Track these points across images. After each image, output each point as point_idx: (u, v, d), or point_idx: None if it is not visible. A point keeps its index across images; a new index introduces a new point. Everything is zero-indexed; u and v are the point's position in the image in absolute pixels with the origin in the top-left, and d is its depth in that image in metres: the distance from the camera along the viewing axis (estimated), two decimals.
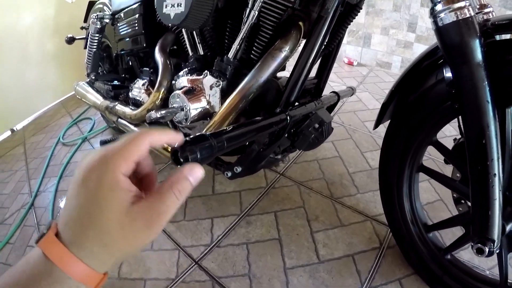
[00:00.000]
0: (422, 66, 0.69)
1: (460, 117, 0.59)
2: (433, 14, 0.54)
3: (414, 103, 0.71)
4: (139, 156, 0.28)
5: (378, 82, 2.31)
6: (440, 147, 0.75)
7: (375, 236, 1.06)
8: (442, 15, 0.52)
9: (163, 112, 0.79)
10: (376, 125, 0.83)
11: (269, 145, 0.78)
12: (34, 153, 1.90)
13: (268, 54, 0.78)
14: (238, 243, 1.08)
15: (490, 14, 0.58)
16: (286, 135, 0.79)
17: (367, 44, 2.54)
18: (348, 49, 2.65)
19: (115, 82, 1.33)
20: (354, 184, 1.28)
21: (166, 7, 0.81)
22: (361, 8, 0.83)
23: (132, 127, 1.11)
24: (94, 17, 1.21)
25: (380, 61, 2.52)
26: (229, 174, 0.88)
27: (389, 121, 0.82)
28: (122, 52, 1.24)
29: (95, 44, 1.31)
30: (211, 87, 0.86)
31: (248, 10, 0.81)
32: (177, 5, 0.78)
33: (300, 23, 0.81)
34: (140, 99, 1.10)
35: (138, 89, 1.12)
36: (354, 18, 0.85)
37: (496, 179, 0.55)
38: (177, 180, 0.28)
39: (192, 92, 0.86)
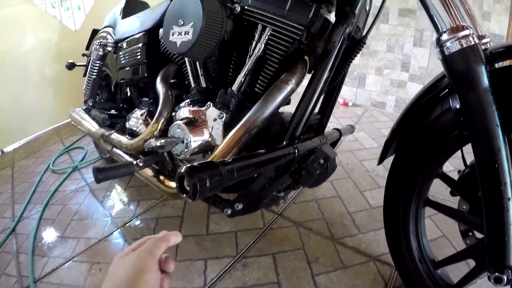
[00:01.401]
0: (423, 101, 0.70)
1: (464, 148, 0.60)
2: (439, 44, 0.55)
3: (419, 135, 0.70)
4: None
5: (374, 122, 2.34)
6: (447, 179, 0.73)
7: (380, 277, 0.99)
8: (448, 44, 0.53)
9: (162, 141, 0.75)
10: (381, 161, 0.82)
11: (275, 179, 0.74)
12: (22, 177, 1.83)
13: (274, 87, 0.77)
14: (233, 287, 0.99)
15: (488, 44, 0.60)
16: (291, 170, 0.75)
17: (362, 85, 2.61)
18: (343, 89, 2.71)
19: (112, 112, 1.30)
20: (355, 224, 1.22)
21: (173, 35, 0.80)
22: (365, 43, 0.84)
23: (127, 157, 1.05)
24: (97, 43, 1.21)
25: (375, 101, 2.57)
26: (229, 211, 0.82)
27: (394, 156, 0.80)
28: (122, 81, 1.23)
29: (96, 71, 1.30)
30: (214, 119, 0.83)
31: (254, 43, 0.81)
32: (185, 33, 0.77)
33: (306, 57, 0.82)
34: (137, 130, 1.06)
35: (136, 119, 1.08)
36: (358, 53, 0.85)
37: (511, 203, 0.53)
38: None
39: (194, 124, 0.83)
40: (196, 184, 0.34)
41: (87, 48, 1.54)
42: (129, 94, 1.30)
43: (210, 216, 1.30)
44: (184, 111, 0.89)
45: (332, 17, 0.84)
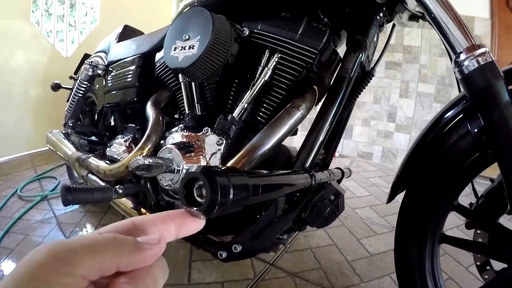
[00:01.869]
0: (435, 131, 0.68)
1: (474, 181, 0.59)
2: (458, 64, 0.55)
3: (435, 164, 0.67)
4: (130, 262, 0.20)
5: (362, 172, 2.32)
6: (464, 211, 0.69)
7: None
8: (466, 63, 0.54)
9: (151, 160, 0.63)
10: (390, 199, 0.78)
11: (285, 214, 0.63)
12: None
13: (284, 112, 0.70)
14: None
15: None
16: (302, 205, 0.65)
17: (349, 136, 2.63)
18: None
19: (93, 138, 1.18)
20: (356, 273, 1.10)
21: (175, 50, 0.74)
22: (373, 75, 0.81)
23: (103, 184, 0.91)
24: (88, 62, 1.13)
25: (362, 152, 2.58)
26: (224, 254, 0.69)
27: (404, 192, 0.75)
28: (108, 106, 1.13)
29: (82, 91, 1.21)
30: (212, 146, 0.74)
31: (261, 68, 0.76)
32: (189, 48, 0.71)
33: (315, 86, 0.77)
34: (119, 157, 0.94)
35: (118, 145, 0.96)
36: (367, 85, 0.82)
37: None
38: None
39: (188, 149, 0.73)
40: (217, 191, 0.23)
41: (76, 73, 1.46)
42: (113, 122, 1.19)
43: (193, 263, 1.13)
44: (177, 135, 0.80)
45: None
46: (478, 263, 0.75)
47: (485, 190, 0.68)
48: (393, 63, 2.27)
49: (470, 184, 0.69)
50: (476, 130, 0.58)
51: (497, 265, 0.69)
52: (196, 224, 0.24)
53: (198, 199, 0.25)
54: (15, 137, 2.20)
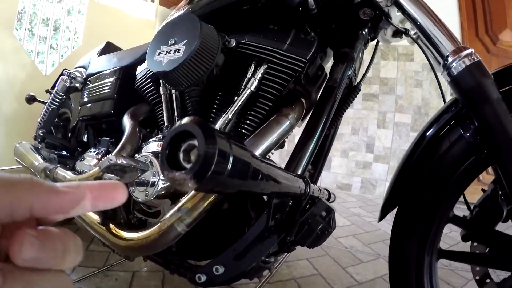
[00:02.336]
0: (423, 144, 0.67)
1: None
2: (446, 67, 0.56)
3: (428, 174, 0.65)
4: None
5: (342, 202, 2.30)
6: (461, 221, 0.68)
7: None
8: (454, 64, 0.55)
9: (124, 161, 0.57)
10: (382, 217, 0.74)
11: (279, 226, 0.57)
12: None
13: (272, 120, 0.67)
14: None
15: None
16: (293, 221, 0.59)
17: (327, 167, 2.64)
18: None
19: (63, 152, 1.09)
20: None
21: (159, 54, 0.70)
22: (360, 90, 0.82)
23: None
24: (66, 73, 1.07)
25: (341, 183, 2.58)
26: (203, 278, 0.61)
27: (396, 209, 0.72)
28: (82, 118, 1.05)
29: (57, 102, 1.15)
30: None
31: (246, 79, 0.74)
32: (175, 51, 0.68)
33: (302, 99, 0.76)
34: (89, 170, 0.85)
35: (90, 158, 0.89)
36: (353, 100, 0.82)
37: None
38: None
39: None
40: (215, 151, 0.18)
41: (53, 88, 1.39)
42: (86, 137, 1.11)
43: None
44: (154, 145, 0.74)
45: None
46: (477, 278, 0.72)
47: (479, 200, 0.67)
48: (370, 94, 2.36)
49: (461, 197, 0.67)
50: (469, 133, 0.58)
51: (497, 278, 0.67)
52: (117, 196, 0.21)
53: (185, 164, 0.19)
54: None
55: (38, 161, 0.99)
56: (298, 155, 0.65)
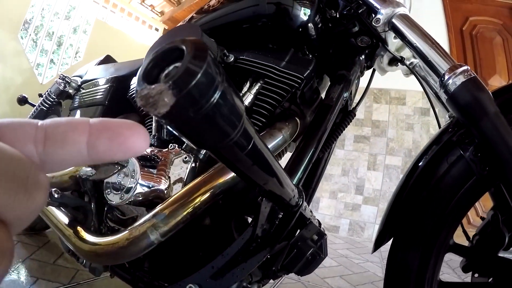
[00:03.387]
0: (417, 171, 0.66)
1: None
2: (442, 85, 0.56)
3: (427, 198, 0.63)
4: None
5: (329, 244, 2.17)
6: (461, 250, 0.65)
7: None
8: (450, 81, 0.55)
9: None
10: (376, 248, 0.70)
11: (267, 241, 0.51)
12: None
13: (265, 132, 0.65)
14: None
15: None
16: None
17: (315, 208, 2.58)
18: None
19: None
20: None
21: None
22: (355, 115, 0.81)
23: None
24: (61, 77, 1.06)
25: (328, 225, 2.50)
26: None
27: (391, 241, 0.68)
28: None
29: (47, 104, 1.13)
30: (177, 163, 0.65)
31: (242, 94, 0.74)
32: None
33: (297, 119, 0.75)
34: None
35: None
36: (348, 125, 0.81)
37: None
38: None
39: (149, 162, 0.63)
40: (200, 69, 0.15)
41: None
42: None
43: None
44: None
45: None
46: None
47: (479, 228, 0.65)
48: (362, 136, 2.39)
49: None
50: (469, 151, 0.58)
51: None
52: (135, 140, 0.14)
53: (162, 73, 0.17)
54: None
55: None
56: (290, 171, 0.62)
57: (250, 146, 0.24)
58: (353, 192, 2.41)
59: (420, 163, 0.64)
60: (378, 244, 0.68)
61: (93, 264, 0.71)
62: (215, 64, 0.16)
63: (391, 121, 2.33)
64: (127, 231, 0.52)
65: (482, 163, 0.56)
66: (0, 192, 0.11)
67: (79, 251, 0.55)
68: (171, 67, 0.16)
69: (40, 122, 0.14)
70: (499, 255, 0.59)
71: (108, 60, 1.29)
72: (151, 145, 0.75)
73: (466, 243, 0.67)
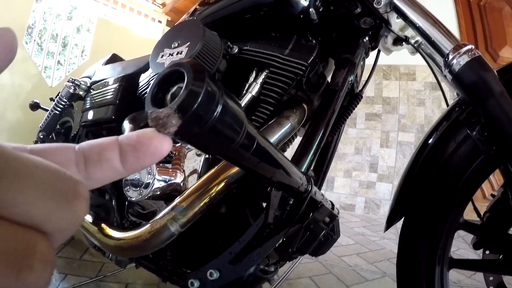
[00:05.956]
0: (426, 150, 0.66)
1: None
2: (447, 65, 0.56)
3: (435, 179, 0.63)
4: None
5: (345, 222, 2.25)
6: (472, 227, 0.65)
7: None
8: (454, 61, 0.55)
9: None
10: (388, 227, 0.71)
11: (279, 226, 0.54)
12: None
13: (273, 121, 0.67)
14: None
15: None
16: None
17: (330, 187, 2.60)
18: None
19: None
20: None
21: (162, 56, 0.71)
22: (362, 97, 0.81)
23: None
24: (70, 80, 1.09)
25: (344, 204, 2.53)
26: (196, 284, 0.58)
27: (403, 220, 0.70)
28: (84, 124, 1.06)
29: (60, 108, 1.16)
30: (191, 158, 0.67)
31: (248, 84, 0.75)
32: (177, 53, 0.68)
33: (304, 105, 0.75)
34: None
35: None
36: (355, 107, 0.81)
37: None
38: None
39: (164, 157, 0.66)
40: (201, 90, 0.17)
41: (57, 96, 1.42)
42: None
43: None
44: None
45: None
46: None
47: (489, 205, 0.65)
48: (373, 114, 2.37)
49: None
50: (476, 130, 0.57)
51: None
52: (158, 147, 0.16)
53: (168, 96, 0.19)
54: None
55: None
56: (300, 157, 0.64)
57: (254, 146, 0.26)
58: (367, 170, 2.41)
59: (430, 141, 0.64)
60: (389, 223, 0.70)
61: (118, 257, 0.75)
62: (213, 81, 0.18)
63: (402, 97, 2.29)
64: (149, 225, 0.56)
65: (489, 142, 0.56)
66: (42, 203, 0.12)
67: (105, 246, 0.60)
68: (174, 88, 0.18)
69: (76, 146, 0.16)
70: (510, 232, 0.60)
71: (114, 59, 1.31)
72: None
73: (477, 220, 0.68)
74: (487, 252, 0.66)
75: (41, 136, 1.12)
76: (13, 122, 2.18)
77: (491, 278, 0.69)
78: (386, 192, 2.34)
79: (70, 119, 1.26)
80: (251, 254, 0.56)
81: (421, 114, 2.24)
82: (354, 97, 0.81)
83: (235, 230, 0.68)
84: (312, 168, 0.80)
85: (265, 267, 0.66)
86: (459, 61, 0.54)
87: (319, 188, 0.85)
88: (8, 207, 0.11)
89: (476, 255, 0.69)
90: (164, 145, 0.17)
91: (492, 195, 0.65)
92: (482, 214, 0.65)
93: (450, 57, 0.55)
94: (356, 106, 0.81)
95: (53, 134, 1.25)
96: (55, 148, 0.15)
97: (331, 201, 0.86)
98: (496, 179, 1.97)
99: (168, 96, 0.18)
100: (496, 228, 0.63)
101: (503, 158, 0.54)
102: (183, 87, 0.17)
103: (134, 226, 0.68)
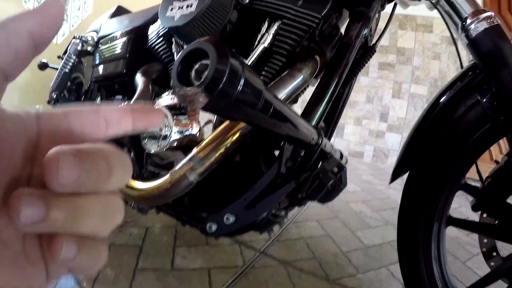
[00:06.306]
0: (433, 113, 0.66)
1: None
2: (464, 29, 0.55)
3: (442, 139, 0.65)
4: None
5: (353, 170, 2.30)
6: (472, 190, 0.68)
7: None
8: (472, 26, 0.54)
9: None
10: (393, 179, 0.74)
11: (291, 175, 0.58)
12: None
13: (286, 74, 0.67)
14: None
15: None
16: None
17: (340, 135, 2.62)
18: None
19: None
20: (352, 264, 1.07)
21: (171, 10, 0.70)
22: (375, 51, 0.79)
23: None
24: (77, 37, 1.08)
25: (353, 151, 2.57)
26: (214, 227, 0.63)
27: (408, 174, 0.72)
28: (95, 80, 1.07)
29: (69, 65, 1.16)
30: None
31: (260, 35, 0.73)
32: (187, 6, 0.67)
33: (317, 57, 0.74)
34: None
35: None
36: (369, 60, 0.80)
37: None
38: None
39: (180, 111, 0.68)
40: (225, 69, 0.19)
41: (65, 53, 1.41)
42: (99, 99, 1.13)
43: (177, 249, 1.07)
44: (167, 98, 0.75)
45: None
46: (484, 250, 0.73)
47: (492, 171, 0.67)
48: (386, 64, 2.29)
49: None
50: (486, 98, 0.57)
51: (504, 252, 0.68)
52: (154, 119, 0.20)
53: (196, 82, 0.20)
54: None
55: None
56: (311, 109, 0.65)
57: (271, 109, 0.28)
58: (378, 120, 2.40)
59: (441, 100, 0.65)
60: (395, 175, 0.73)
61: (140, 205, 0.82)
62: (235, 58, 0.20)
63: (417, 49, 2.18)
64: (169, 175, 0.60)
65: (497, 112, 0.56)
66: (100, 223, 0.17)
67: (129, 197, 0.65)
68: (197, 64, 0.20)
69: (98, 110, 0.19)
70: (508, 201, 0.62)
71: (120, 11, 1.27)
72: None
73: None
74: (485, 215, 0.69)
75: (54, 96, 1.14)
76: (23, 82, 2.19)
77: (485, 241, 0.73)
78: (395, 142, 2.36)
79: (80, 74, 1.27)
80: (264, 201, 0.61)
81: (435, 67, 2.15)
82: (367, 51, 0.79)
83: (249, 178, 0.73)
84: (323, 118, 0.82)
85: (276, 212, 0.72)
86: (476, 27, 0.53)
87: (330, 138, 0.88)
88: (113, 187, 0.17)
89: (476, 215, 0.73)
90: (157, 116, 0.20)
91: (496, 161, 0.67)
92: (484, 178, 0.67)
93: (468, 21, 0.54)
94: (369, 60, 0.80)
95: (65, 91, 1.27)
96: (80, 112, 0.18)
97: (340, 151, 0.89)
98: (505, 143, 1.95)
99: (193, 73, 0.20)
100: (495, 194, 0.65)
101: (510, 129, 0.54)
102: (208, 69, 0.18)
103: (153, 176, 0.73)
